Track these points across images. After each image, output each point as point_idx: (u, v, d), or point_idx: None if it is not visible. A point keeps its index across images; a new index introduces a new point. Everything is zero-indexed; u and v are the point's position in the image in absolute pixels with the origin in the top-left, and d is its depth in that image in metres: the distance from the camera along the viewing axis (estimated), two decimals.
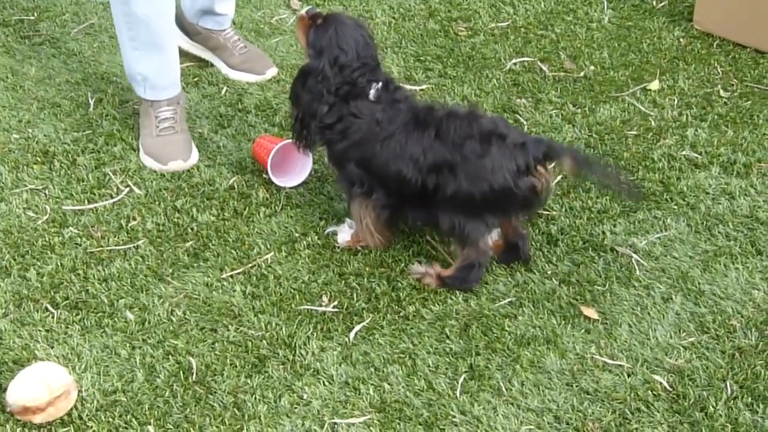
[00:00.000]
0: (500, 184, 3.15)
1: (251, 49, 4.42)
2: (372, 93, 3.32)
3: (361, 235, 3.44)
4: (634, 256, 3.47)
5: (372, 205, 3.37)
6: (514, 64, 4.53)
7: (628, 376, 3.04)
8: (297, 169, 3.79)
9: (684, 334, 3.17)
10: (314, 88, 3.32)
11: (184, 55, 4.49)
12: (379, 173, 3.32)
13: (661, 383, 3.02)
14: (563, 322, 3.21)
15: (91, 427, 2.88)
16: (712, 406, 2.93)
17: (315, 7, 3.42)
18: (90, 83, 4.36)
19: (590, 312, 3.25)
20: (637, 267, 3.42)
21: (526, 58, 4.59)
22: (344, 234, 3.49)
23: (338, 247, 3.49)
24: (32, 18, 4.83)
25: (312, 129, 3.36)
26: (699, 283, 3.35)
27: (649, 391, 2.99)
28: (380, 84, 3.34)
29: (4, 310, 3.23)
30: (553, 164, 3.22)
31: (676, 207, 3.69)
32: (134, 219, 3.62)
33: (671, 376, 3.04)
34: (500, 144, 3.17)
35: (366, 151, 3.32)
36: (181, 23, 4.38)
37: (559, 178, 3.81)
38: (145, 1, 3.73)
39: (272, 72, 4.39)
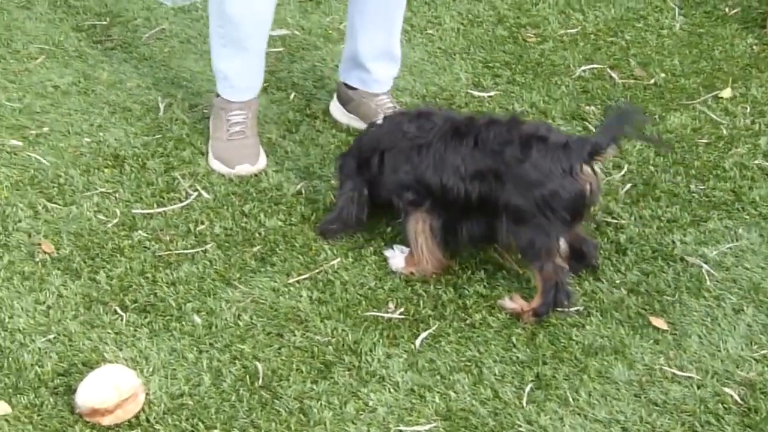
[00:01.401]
0: (546, 188, 3.11)
1: None
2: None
3: (416, 256, 3.38)
4: (705, 266, 3.43)
5: (427, 217, 3.33)
6: (584, 71, 4.50)
7: (698, 388, 3.00)
8: None
9: (756, 346, 3.13)
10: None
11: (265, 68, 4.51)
12: (422, 183, 3.30)
13: (731, 396, 2.97)
14: (632, 332, 3.18)
15: (159, 429, 2.90)
16: None
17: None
18: (160, 88, 4.39)
19: (659, 322, 3.21)
20: (707, 277, 3.38)
21: (595, 65, 4.55)
22: (397, 260, 3.44)
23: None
24: (104, 23, 4.88)
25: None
26: None
27: (720, 404, 2.95)
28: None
29: (74, 313, 3.27)
30: (601, 160, 3.16)
31: (747, 217, 3.64)
32: (202, 223, 3.64)
33: (742, 389, 3.00)
34: (541, 147, 3.12)
35: (402, 159, 3.32)
36: (338, 92, 4.22)
37: (628, 186, 3.78)
38: (239, 2, 3.75)
39: None
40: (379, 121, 3.50)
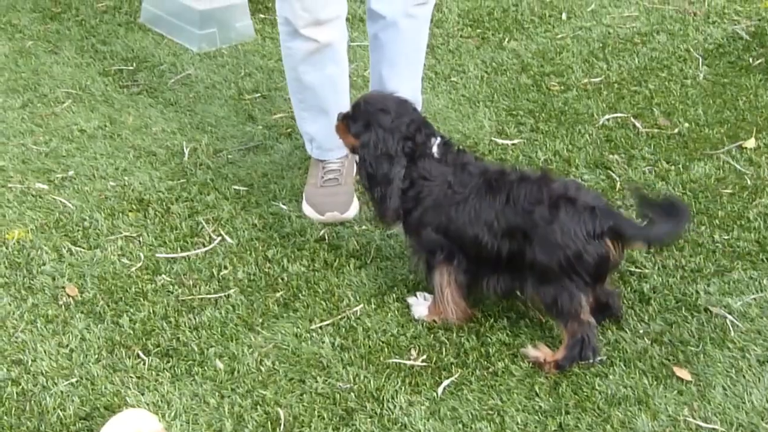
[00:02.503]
0: (571, 250, 3.11)
1: None
2: (435, 149, 3.32)
3: (441, 306, 3.38)
4: (729, 316, 3.41)
5: (453, 271, 3.33)
6: (607, 119, 4.51)
7: None
8: None
9: None
10: (379, 155, 3.34)
11: (289, 114, 4.55)
12: (457, 238, 3.30)
13: None
14: (655, 382, 3.16)
15: None
16: None
17: (341, 112, 3.49)
18: (185, 132, 4.42)
19: (683, 373, 3.19)
20: (731, 328, 3.36)
21: (619, 114, 4.56)
22: (420, 308, 3.44)
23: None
24: (131, 68, 4.92)
25: (392, 193, 3.34)
26: None
27: None
28: (439, 139, 3.34)
29: (96, 356, 3.27)
30: (620, 244, 3.16)
31: None
32: (226, 268, 3.65)
33: None
34: (568, 208, 3.13)
35: (442, 216, 3.31)
36: None
37: None
38: (311, 70, 3.82)
39: None
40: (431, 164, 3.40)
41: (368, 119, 3.38)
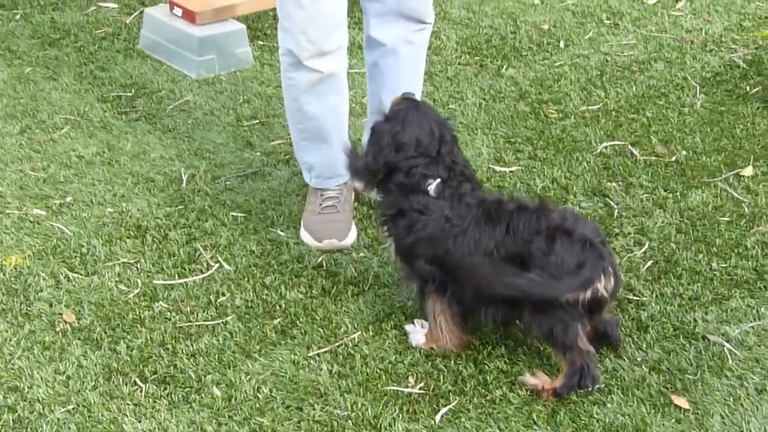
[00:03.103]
0: (565, 283, 3.11)
1: None
2: (432, 189, 3.31)
3: (435, 334, 3.38)
4: (727, 345, 3.41)
5: (447, 301, 3.33)
6: (605, 147, 4.52)
7: None
8: None
9: None
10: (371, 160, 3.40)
11: (287, 141, 4.56)
12: (453, 270, 3.30)
13: None
14: (653, 410, 3.16)
15: None
16: None
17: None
18: (183, 159, 4.43)
19: (681, 401, 3.19)
20: (729, 356, 3.36)
21: (617, 142, 4.57)
22: (417, 335, 3.44)
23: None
24: (129, 94, 4.93)
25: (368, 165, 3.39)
26: None
27: None
28: (438, 180, 3.32)
29: (93, 383, 3.26)
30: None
31: None
32: (223, 295, 3.65)
33: None
34: (565, 241, 3.13)
35: (438, 248, 3.30)
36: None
37: (649, 263, 3.77)
38: (314, 100, 3.82)
39: None
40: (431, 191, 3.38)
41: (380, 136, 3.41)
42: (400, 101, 3.48)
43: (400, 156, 3.34)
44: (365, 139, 4.17)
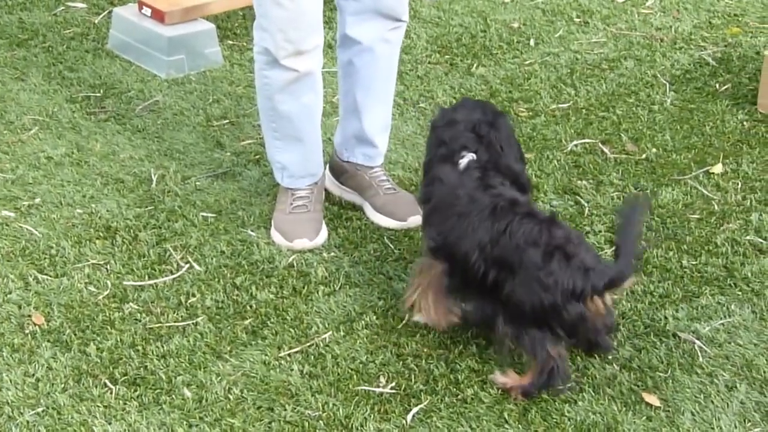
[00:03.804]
0: (549, 301, 3.10)
1: (400, 193, 4.10)
2: (462, 162, 3.31)
3: (410, 291, 3.41)
4: (697, 342, 3.42)
5: (440, 274, 3.33)
6: (575, 145, 4.52)
7: None
8: None
9: (749, 424, 3.11)
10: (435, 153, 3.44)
11: (258, 140, 4.54)
12: (450, 247, 3.30)
13: None
14: (624, 408, 3.16)
15: None
16: None
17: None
18: (153, 159, 4.41)
19: (652, 399, 3.20)
20: (700, 354, 3.37)
21: (587, 140, 4.58)
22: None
23: (396, 328, 3.47)
24: (98, 95, 4.90)
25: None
26: (764, 372, 3.29)
27: None
28: (473, 156, 3.32)
29: (63, 385, 3.24)
30: (618, 290, 3.16)
31: (740, 293, 3.64)
32: (194, 295, 3.63)
33: None
34: (562, 263, 3.10)
35: (445, 222, 3.31)
36: (331, 163, 4.22)
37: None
38: (288, 99, 3.80)
39: (414, 220, 3.97)
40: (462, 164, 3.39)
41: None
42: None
43: (450, 130, 3.40)
44: (337, 139, 4.17)
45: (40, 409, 3.15)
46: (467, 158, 3.33)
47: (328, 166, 4.19)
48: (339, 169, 4.16)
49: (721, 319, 3.52)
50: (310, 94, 3.84)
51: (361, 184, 4.10)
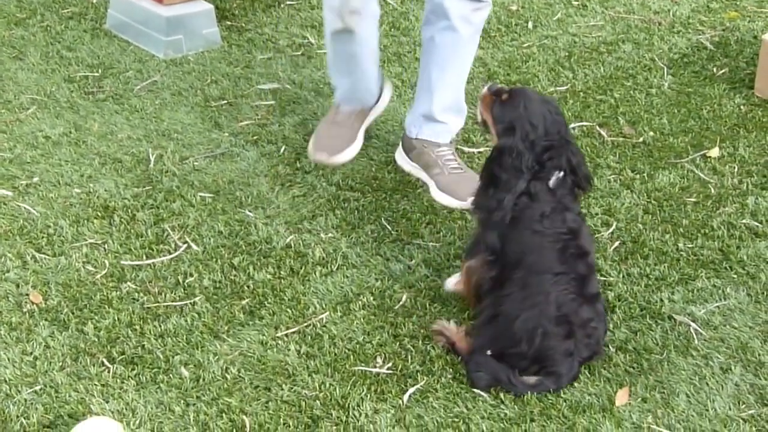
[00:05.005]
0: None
1: (467, 173, 4.08)
2: (552, 181, 3.25)
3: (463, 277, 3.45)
4: (693, 324, 3.43)
5: (488, 264, 3.32)
6: (573, 128, 4.53)
7: None
8: None
9: (743, 406, 3.12)
10: (511, 165, 3.25)
11: (256, 121, 4.54)
12: (507, 255, 3.28)
13: None
14: (620, 389, 3.18)
15: None
16: None
17: (497, 83, 3.43)
18: (151, 139, 4.41)
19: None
20: (695, 336, 3.39)
21: (584, 123, 4.58)
22: (449, 283, 3.55)
23: (393, 309, 3.48)
24: (96, 74, 4.90)
25: (507, 205, 3.25)
26: (759, 354, 3.30)
27: None
28: (561, 173, 3.25)
29: (61, 364, 3.25)
30: None
31: (735, 276, 3.65)
32: (191, 275, 3.64)
33: None
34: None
35: (514, 230, 3.26)
36: (402, 140, 4.26)
37: (616, 244, 3.79)
38: (336, 44, 4.08)
39: None
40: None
41: (516, 123, 3.28)
42: (497, 93, 3.40)
43: (537, 151, 3.27)
44: (408, 117, 4.25)
45: (37, 388, 3.16)
46: (555, 176, 3.25)
47: (401, 141, 4.27)
48: (408, 146, 4.21)
49: (716, 301, 3.54)
50: (353, 45, 4.03)
51: (427, 162, 4.13)
